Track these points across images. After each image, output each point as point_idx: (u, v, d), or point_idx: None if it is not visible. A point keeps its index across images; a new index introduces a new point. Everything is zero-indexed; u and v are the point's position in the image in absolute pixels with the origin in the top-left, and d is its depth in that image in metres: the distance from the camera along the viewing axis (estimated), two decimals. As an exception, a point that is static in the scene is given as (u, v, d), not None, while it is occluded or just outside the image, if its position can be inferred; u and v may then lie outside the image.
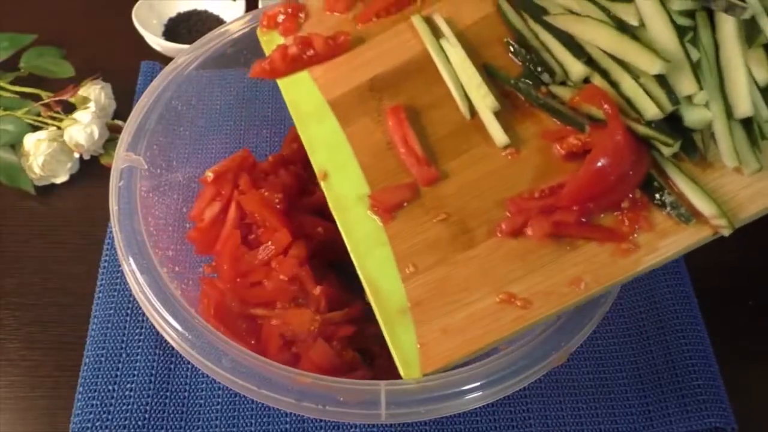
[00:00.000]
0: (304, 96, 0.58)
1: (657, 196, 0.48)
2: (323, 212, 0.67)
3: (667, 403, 0.62)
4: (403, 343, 0.48)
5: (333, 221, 0.66)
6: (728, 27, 0.46)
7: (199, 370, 0.52)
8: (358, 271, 0.52)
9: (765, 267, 0.74)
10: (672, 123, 0.47)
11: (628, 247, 0.47)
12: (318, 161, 0.56)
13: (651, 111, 0.47)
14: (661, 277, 0.69)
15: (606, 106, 0.48)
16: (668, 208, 0.47)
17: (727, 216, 0.45)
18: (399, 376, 0.51)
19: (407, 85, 0.56)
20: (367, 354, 0.60)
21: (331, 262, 0.66)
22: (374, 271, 0.51)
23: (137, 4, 0.91)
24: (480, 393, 0.48)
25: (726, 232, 0.45)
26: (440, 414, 0.48)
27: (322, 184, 0.55)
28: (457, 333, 0.48)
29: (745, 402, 0.63)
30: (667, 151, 0.47)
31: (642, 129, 0.48)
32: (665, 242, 0.47)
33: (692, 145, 0.48)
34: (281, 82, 0.60)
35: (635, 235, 0.47)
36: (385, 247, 0.51)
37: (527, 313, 0.47)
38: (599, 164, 0.47)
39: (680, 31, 0.46)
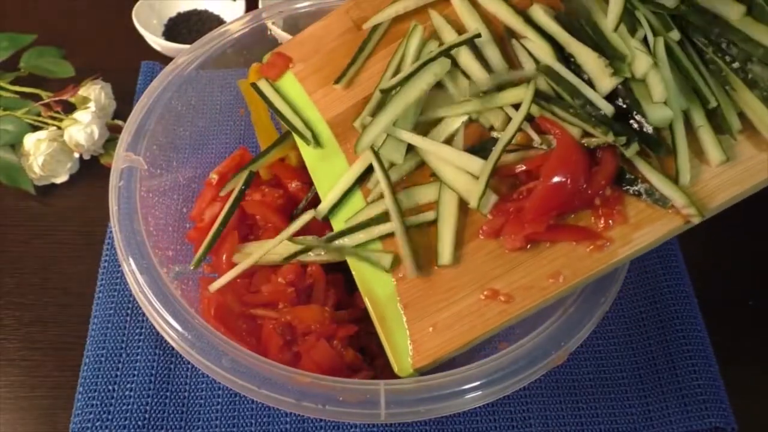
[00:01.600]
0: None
1: (632, 187, 0.49)
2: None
3: (668, 403, 0.62)
4: (396, 342, 0.51)
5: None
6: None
7: (199, 370, 0.52)
8: (355, 277, 0.54)
9: (765, 267, 0.74)
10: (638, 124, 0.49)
11: (603, 242, 0.49)
12: (317, 174, 0.59)
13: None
14: (661, 277, 0.69)
15: (550, 127, 0.51)
16: (644, 196, 0.49)
17: (696, 205, 0.47)
18: (399, 376, 0.51)
19: None
20: (368, 354, 0.60)
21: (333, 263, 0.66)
22: (369, 277, 0.54)
23: (137, 4, 0.92)
24: (480, 393, 0.48)
25: (696, 220, 0.47)
26: (440, 414, 0.49)
27: (322, 198, 0.58)
28: (445, 329, 0.50)
29: (745, 402, 0.63)
30: (627, 152, 0.49)
31: (589, 140, 0.50)
32: (639, 234, 0.49)
33: (661, 143, 0.49)
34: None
35: (610, 230, 0.49)
36: None
37: (510, 307, 0.50)
38: (554, 180, 0.49)
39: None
